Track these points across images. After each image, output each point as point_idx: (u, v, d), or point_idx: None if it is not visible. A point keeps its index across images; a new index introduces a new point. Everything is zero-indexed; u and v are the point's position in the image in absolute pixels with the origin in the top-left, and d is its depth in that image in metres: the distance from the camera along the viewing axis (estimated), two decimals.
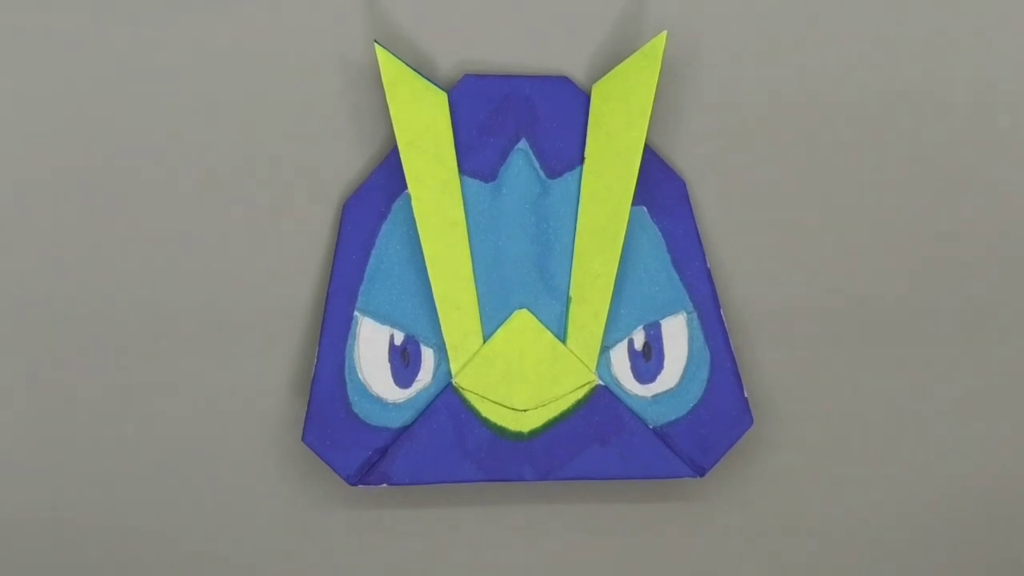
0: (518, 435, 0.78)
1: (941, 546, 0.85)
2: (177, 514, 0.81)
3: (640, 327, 0.79)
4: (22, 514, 0.79)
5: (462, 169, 0.77)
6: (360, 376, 0.78)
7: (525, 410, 0.78)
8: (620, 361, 0.79)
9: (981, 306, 0.83)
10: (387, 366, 0.78)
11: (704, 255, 0.78)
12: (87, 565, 0.81)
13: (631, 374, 0.79)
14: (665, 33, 0.76)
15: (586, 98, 0.77)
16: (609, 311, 0.78)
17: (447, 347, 0.77)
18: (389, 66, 0.75)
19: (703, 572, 0.84)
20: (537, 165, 0.77)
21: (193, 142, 0.77)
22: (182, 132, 0.77)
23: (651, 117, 0.76)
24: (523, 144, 0.77)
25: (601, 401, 0.79)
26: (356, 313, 0.78)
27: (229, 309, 0.78)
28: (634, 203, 0.78)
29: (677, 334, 0.79)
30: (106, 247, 0.77)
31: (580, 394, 0.78)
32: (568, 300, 0.77)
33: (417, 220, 0.76)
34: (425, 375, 0.78)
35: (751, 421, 0.79)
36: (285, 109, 0.77)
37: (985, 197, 0.82)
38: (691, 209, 0.78)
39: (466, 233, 0.77)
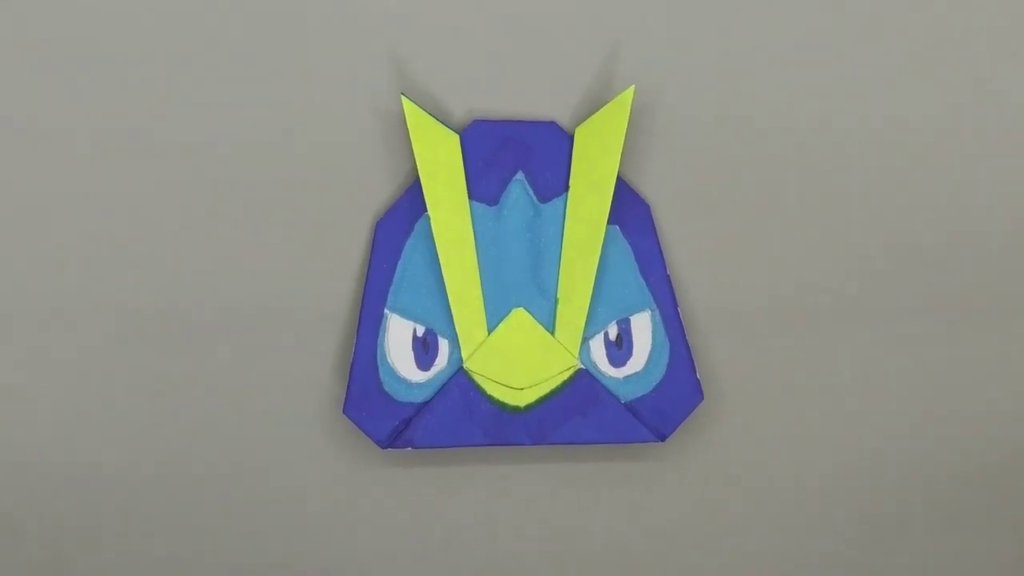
0: (516, 408, 0.88)
1: (855, 496, 0.95)
2: (243, 471, 0.90)
3: (614, 322, 0.88)
4: (130, 468, 0.89)
5: (471, 195, 0.86)
6: (389, 361, 0.87)
7: (522, 389, 0.87)
8: (598, 349, 0.88)
9: (886, 301, 0.92)
10: (411, 353, 0.87)
11: (665, 264, 0.88)
12: (177, 509, 0.90)
13: (607, 360, 0.89)
14: (633, 88, 0.84)
15: (570, 139, 0.86)
16: (589, 309, 0.87)
17: (459, 338, 0.86)
18: (413, 114, 0.84)
19: (664, 517, 0.94)
20: (531, 192, 0.87)
21: (260, 173, 0.85)
22: (254, 166, 0.85)
23: (622, 154, 0.85)
24: (520, 175, 0.87)
25: (582, 381, 0.88)
26: (386, 311, 0.87)
27: (286, 308, 0.87)
28: (609, 223, 0.87)
29: (643, 328, 0.88)
30: (197, 259, 0.86)
31: (566, 376, 0.88)
32: (556, 300, 0.87)
33: (435, 236, 0.85)
34: (441, 360, 0.87)
35: (701, 397, 0.88)
36: (332, 148, 0.85)
37: (899, 212, 0.90)
38: (654, 228, 0.88)
39: (474, 247, 0.86)
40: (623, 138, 0.85)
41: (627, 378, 0.89)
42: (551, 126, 0.86)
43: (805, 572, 0.95)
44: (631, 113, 0.85)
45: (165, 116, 0.83)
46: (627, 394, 0.89)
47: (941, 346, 0.92)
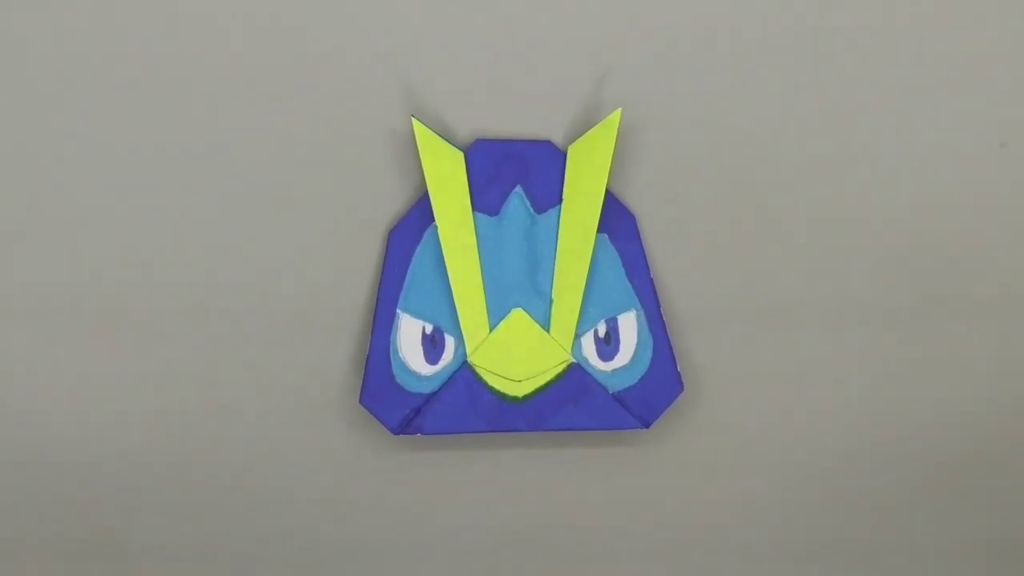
0: (515, 398, 0.91)
1: (822, 478, 0.98)
2: (270, 454, 0.94)
3: (603, 320, 0.91)
4: (170, 451, 0.93)
5: (474, 207, 0.89)
6: (401, 356, 0.90)
7: (520, 380, 0.90)
8: (588, 345, 0.91)
9: (847, 302, 0.95)
10: (420, 349, 0.90)
11: (648, 269, 0.91)
12: (211, 488, 0.94)
13: (596, 354, 0.91)
14: (620, 110, 0.87)
15: (563, 156, 0.88)
16: (580, 309, 0.90)
17: (464, 335, 0.89)
18: (422, 134, 0.86)
19: (648, 496, 0.98)
20: (528, 204, 0.89)
21: (287, 187, 0.89)
22: (282, 181, 0.88)
23: (610, 169, 0.88)
24: (518, 189, 0.89)
25: (575, 374, 0.91)
26: (398, 311, 0.90)
27: (309, 308, 0.91)
28: (598, 231, 0.90)
29: (629, 326, 0.91)
30: (231, 264, 0.90)
31: (559, 369, 0.91)
32: (551, 301, 0.90)
33: (442, 243, 0.88)
34: (448, 355, 0.90)
35: (682, 388, 0.92)
36: (350, 164, 0.89)
37: (861, 222, 0.93)
38: (639, 236, 0.91)
39: (477, 253, 0.89)
40: (611, 155, 0.88)
41: (614, 371, 0.92)
42: (546, 144, 0.89)
43: (775, 546, 0.99)
44: (618, 133, 0.88)
45: (210, 139, 0.87)
46: (614, 385, 0.92)
47: (898, 342, 0.95)
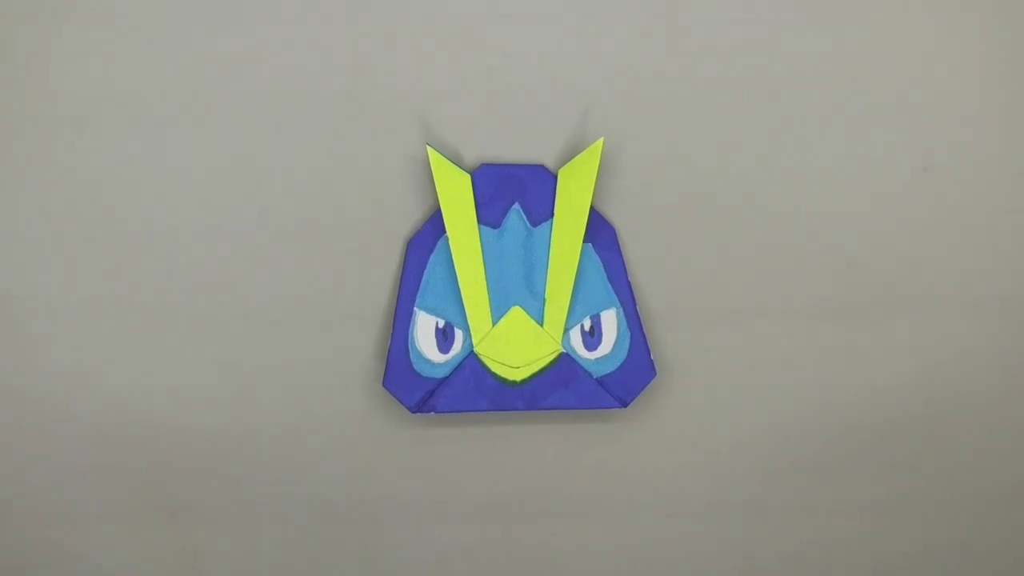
0: (513, 383, 0.94)
1: (777, 450, 1.00)
2: (306, 430, 0.97)
3: (588, 317, 0.94)
4: (222, 427, 0.97)
5: (479, 220, 0.92)
6: (417, 347, 0.93)
7: (518, 367, 0.93)
8: (576, 337, 0.94)
9: (798, 300, 0.97)
10: (434, 340, 0.93)
11: (627, 273, 0.94)
12: (258, 459, 0.97)
13: (582, 345, 0.94)
14: (603, 139, 0.91)
15: (554, 178, 0.92)
16: (569, 307, 0.93)
17: (470, 329, 0.92)
18: (435, 159, 0.90)
19: (626, 466, 1.00)
20: (525, 219, 0.93)
21: (322, 205, 0.93)
22: (317, 200, 0.93)
23: (594, 189, 0.92)
24: (516, 206, 0.92)
25: (564, 362, 0.94)
26: (415, 308, 0.93)
27: (340, 306, 0.95)
28: (584, 241, 0.93)
29: (610, 321, 0.94)
30: (275, 269, 0.94)
31: (551, 358, 0.94)
32: (544, 301, 0.93)
33: (452, 252, 0.92)
34: (457, 346, 0.93)
35: (654, 374, 0.95)
36: (375, 185, 0.93)
37: (811, 230, 0.97)
38: (619, 245, 0.94)
39: (482, 260, 0.92)
40: (595, 177, 0.91)
41: (598, 359, 0.95)
42: (540, 168, 0.93)
43: (732, 508, 1.02)
44: (601, 158, 0.92)
45: (259, 165, 0.93)
46: (598, 371, 0.95)
47: (842, 334, 0.99)
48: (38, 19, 0.93)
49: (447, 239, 0.92)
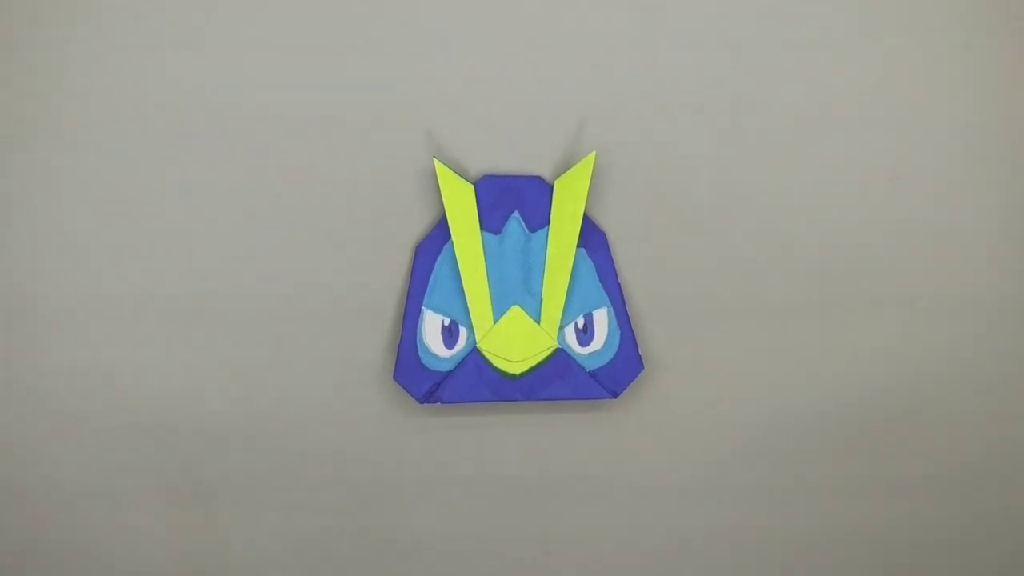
0: (513, 375, 0.98)
1: (749, 434, 1.06)
2: (325, 418, 1.02)
3: (581, 315, 0.99)
4: (250, 412, 1.01)
5: (482, 227, 0.97)
6: (425, 342, 0.98)
7: (517, 361, 0.98)
8: (570, 334, 0.99)
9: (770, 300, 1.03)
10: (440, 337, 0.98)
11: (616, 275, 0.99)
12: (280, 443, 1.01)
13: (576, 341, 0.99)
14: (594, 153, 0.97)
15: (550, 188, 0.97)
16: (564, 306, 0.98)
17: (474, 327, 0.97)
18: (442, 171, 0.96)
19: (615, 449, 1.05)
20: (524, 225, 0.97)
21: (340, 213, 0.98)
22: (336, 208, 0.98)
23: (587, 199, 0.97)
24: (516, 214, 0.97)
25: (559, 356, 0.98)
26: (423, 308, 0.97)
27: (355, 306, 0.99)
28: (577, 246, 0.98)
29: (602, 319, 0.99)
30: (299, 271, 0.99)
31: (547, 353, 0.98)
32: (541, 301, 0.98)
33: (457, 255, 0.96)
34: (461, 342, 0.98)
35: (642, 367, 1.00)
36: (388, 196, 0.98)
37: (783, 236, 1.02)
38: (609, 249, 0.99)
39: (484, 263, 0.97)
40: (587, 188, 0.97)
41: (590, 354, 0.99)
42: (537, 179, 0.98)
43: (709, 488, 1.07)
44: (593, 170, 0.97)
45: (283, 178, 0.98)
46: (590, 365, 0.99)
47: (814, 331, 1.04)
48: (79, 44, 0.98)
49: (452, 244, 0.98)
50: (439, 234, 0.99)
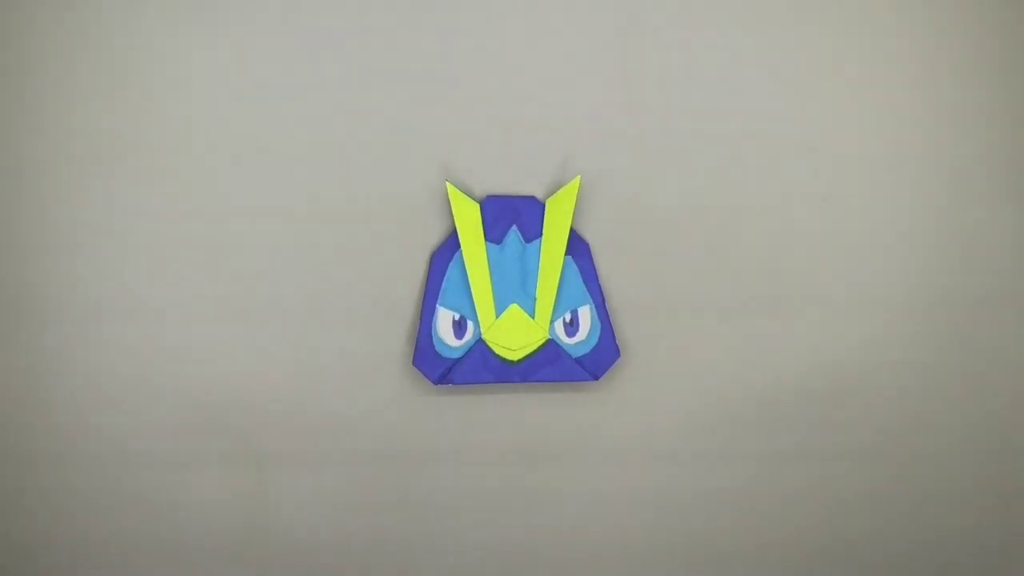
0: (512, 361, 1.18)
1: (711, 412, 1.22)
2: (352, 398, 1.20)
3: (568, 311, 1.18)
4: (288, 394, 1.17)
5: (486, 238, 1.16)
6: (439, 334, 1.17)
7: (515, 350, 1.17)
8: (559, 327, 1.18)
9: (730, 300, 1.20)
10: (451, 330, 1.18)
11: (598, 278, 1.17)
12: (313, 420, 1.17)
13: (564, 333, 1.18)
14: (579, 177, 1.15)
15: (543, 206, 1.17)
16: (554, 304, 1.16)
17: (479, 321, 1.17)
18: (453, 192, 1.15)
19: (597, 423, 1.23)
20: (521, 237, 1.16)
21: (366, 227, 1.16)
22: (363, 224, 1.15)
23: (573, 214, 1.15)
24: (514, 227, 1.17)
25: (550, 346, 1.18)
26: (437, 305, 1.17)
27: (380, 304, 1.18)
28: (565, 254, 1.15)
29: (585, 315, 1.18)
30: (333, 276, 1.16)
31: (541, 343, 1.18)
32: (535, 300, 1.17)
33: (465, 262, 1.16)
34: (469, 334, 1.18)
35: (618, 355, 1.19)
36: (407, 211, 1.18)
37: (743, 245, 1.19)
38: (592, 257, 1.16)
39: (488, 268, 1.16)
40: (574, 205, 1.17)
41: (576, 344, 1.18)
42: (532, 199, 1.19)
43: (675, 455, 1.22)
44: (578, 191, 1.16)
45: (318, 197, 1.16)
46: (575, 353, 1.18)
47: (761, 326, 1.22)
48: (161, 76, 1.17)
49: (461, 252, 1.17)
50: (450, 244, 1.18)
